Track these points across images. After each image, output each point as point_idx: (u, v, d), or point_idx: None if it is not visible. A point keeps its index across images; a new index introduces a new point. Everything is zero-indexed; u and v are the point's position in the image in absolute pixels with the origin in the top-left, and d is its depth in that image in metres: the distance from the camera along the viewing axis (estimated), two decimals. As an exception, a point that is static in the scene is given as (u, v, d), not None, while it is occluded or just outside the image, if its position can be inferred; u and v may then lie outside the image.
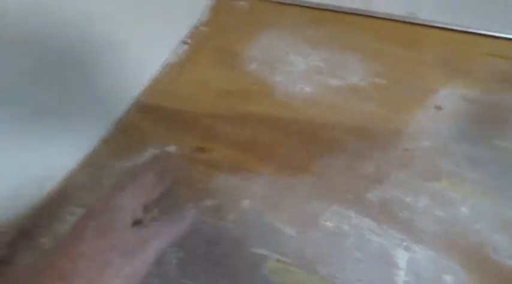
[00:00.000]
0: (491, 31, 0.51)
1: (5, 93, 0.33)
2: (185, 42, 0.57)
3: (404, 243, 0.35)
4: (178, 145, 0.45)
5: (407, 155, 0.42)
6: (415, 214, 0.37)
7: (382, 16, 0.55)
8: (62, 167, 0.43)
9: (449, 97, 0.46)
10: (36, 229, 0.39)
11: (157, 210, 0.33)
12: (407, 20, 0.54)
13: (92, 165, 0.44)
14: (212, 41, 0.57)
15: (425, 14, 0.53)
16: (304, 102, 0.47)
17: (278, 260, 0.36)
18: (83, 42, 0.39)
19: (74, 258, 0.25)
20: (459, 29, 0.52)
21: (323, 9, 0.58)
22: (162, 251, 0.28)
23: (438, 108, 0.45)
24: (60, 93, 0.39)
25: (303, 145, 0.43)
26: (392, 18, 0.55)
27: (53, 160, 0.41)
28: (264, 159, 0.43)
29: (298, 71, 0.51)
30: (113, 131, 0.47)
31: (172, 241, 0.29)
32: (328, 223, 0.37)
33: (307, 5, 0.59)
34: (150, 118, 0.48)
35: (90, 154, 0.45)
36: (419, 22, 0.54)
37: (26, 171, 0.37)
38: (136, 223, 0.29)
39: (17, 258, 0.37)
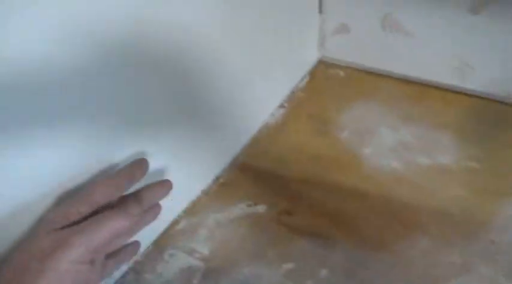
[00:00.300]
0: None
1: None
2: (282, 106, 0.62)
3: None
4: (267, 206, 0.50)
5: (493, 248, 0.41)
6: (496, 316, 0.36)
7: (480, 95, 0.55)
8: (170, 213, 0.50)
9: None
10: (143, 266, 0.46)
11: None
12: (505, 101, 0.54)
13: (192, 213, 0.51)
14: (307, 106, 0.62)
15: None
16: (391, 177, 0.49)
17: None
18: (198, 101, 0.46)
19: None
20: None
21: (419, 84, 0.59)
22: None
23: (534, 201, 0.44)
24: (172, 152, 0.46)
25: (386, 222, 0.45)
26: (491, 97, 0.55)
27: (164, 208, 0.48)
28: (346, 230, 0.45)
29: (387, 144, 0.53)
30: (212, 185, 0.53)
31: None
32: (403, 308, 0.38)
33: (403, 78, 0.61)
34: (246, 176, 0.54)
35: (193, 202, 0.52)
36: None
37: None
38: None
39: (126, 289, 0.45)
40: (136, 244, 0.40)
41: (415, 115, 0.56)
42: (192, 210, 0.51)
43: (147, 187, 0.36)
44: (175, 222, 0.50)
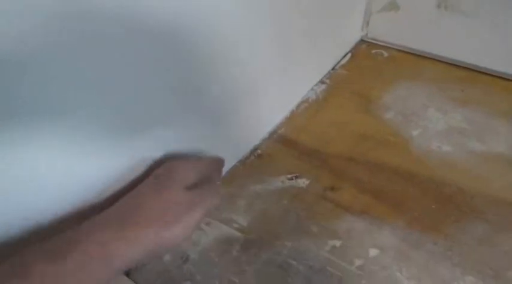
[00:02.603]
0: None
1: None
2: (323, 82, 0.60)
3: None
4: (310, 180, 0.47)
5: (556, 239, 0.39)
6: None
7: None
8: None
9: None
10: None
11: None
12: None
13: (229, 183, 0.48)
14: (349, 84, 0.59)
15: None
16: (442, 161, 0.47)
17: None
18: (228, 73, 0.42)
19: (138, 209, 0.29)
20: None
21: (471, 69, 0.57)
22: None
23: None
24: (209, 121, 0.43)
25: (438, 205, 0.43)
26: (548, 88, 0.52)
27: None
28: (395, 210, 0.43)
29: (436, 127, 0.51)
30: (249, 155, 0.51)
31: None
32: (461, 293, 0.36)
33: (451, 62, 0.58)
34: (285, 150, 0.51)
35: (229, 172, 0.49)
36: None
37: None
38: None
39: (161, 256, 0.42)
40: None
41: (466, 100, 0.53)
42: (228, 180, 0.48)
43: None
44: (211, 190, 0.47)
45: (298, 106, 0.57)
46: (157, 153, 0.37)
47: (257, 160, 0.50)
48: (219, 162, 0.38)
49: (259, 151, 0.51)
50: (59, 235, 0.26)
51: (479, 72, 0.56)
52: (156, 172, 0.32)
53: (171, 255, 0.41)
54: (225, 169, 0.49)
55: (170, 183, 0.31)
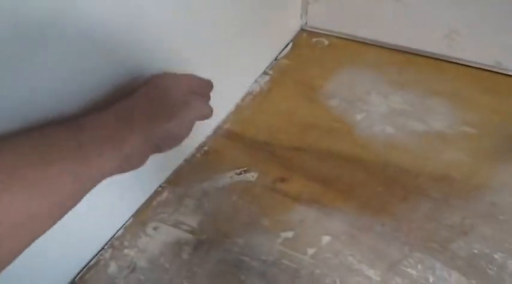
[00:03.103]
0: None
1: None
2: (267, 73, 0.59)
3: (496, 302, 0.34)
4: (258, 173, 0.46)
5: (493, 209, 0.41)
6: (505, 273, 0.35)
7: (468, 64, 0.55)
8: (150, 184, 0.45)
9: (540, 154, 0.44)
10: (122, 241, 0.41)
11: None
12: (494, 70, 0.54)
13: (176, 183, 0.46)
14: (293, 73, 0.59)
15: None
16: (386, 143, 0.48)
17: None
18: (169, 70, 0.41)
19: None
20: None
21: (407, 52, 0.58)
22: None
23: (528, 163, 0.44)
24: None
25: (384, 187, 0.43)
26: (478, 66, 0.55)
27: (143, 177, 0.43)
28: (344, 196, 0.43)
29: (379, 111, 0.52)
30: (196, 153, 0.49)
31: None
32: (411, 271, 0.37)
33: (388, 46, 0.60)
34: (232, 145, 0.50)
35: (175, 172, 0.47)
36: (506, 72, 0.53)
37: (119, 191, 0.40)
38: None
39: (106, 268, 0.39)
40: None
41: (405, 83, 0.54)
42: (175, 180, 0.46)
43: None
44: (157, 193, 0.45)
45: (243, 99, 0.55)
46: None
47: (204, 158, 0.49)
48: (208, 83, 0.39)
49: (205, 148, 0.50)
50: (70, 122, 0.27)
51: (414, 54, 0.58)
52: (151, 80, 0.33)
53: (116, 265, 0.39)
54: (171, 168, 0.47)
55: (165, 88, 0.33)
